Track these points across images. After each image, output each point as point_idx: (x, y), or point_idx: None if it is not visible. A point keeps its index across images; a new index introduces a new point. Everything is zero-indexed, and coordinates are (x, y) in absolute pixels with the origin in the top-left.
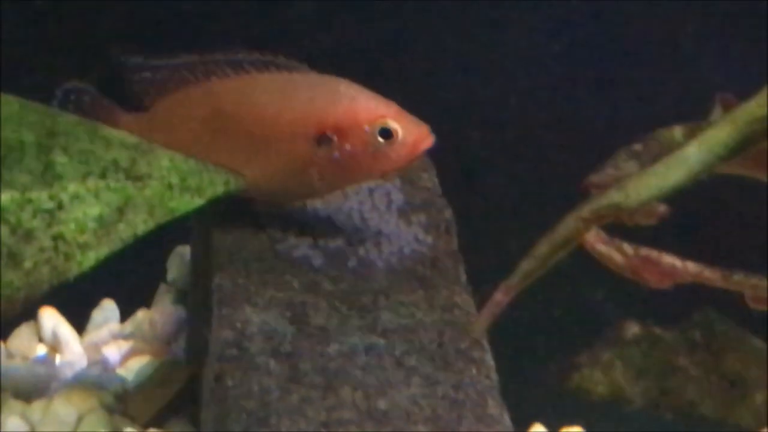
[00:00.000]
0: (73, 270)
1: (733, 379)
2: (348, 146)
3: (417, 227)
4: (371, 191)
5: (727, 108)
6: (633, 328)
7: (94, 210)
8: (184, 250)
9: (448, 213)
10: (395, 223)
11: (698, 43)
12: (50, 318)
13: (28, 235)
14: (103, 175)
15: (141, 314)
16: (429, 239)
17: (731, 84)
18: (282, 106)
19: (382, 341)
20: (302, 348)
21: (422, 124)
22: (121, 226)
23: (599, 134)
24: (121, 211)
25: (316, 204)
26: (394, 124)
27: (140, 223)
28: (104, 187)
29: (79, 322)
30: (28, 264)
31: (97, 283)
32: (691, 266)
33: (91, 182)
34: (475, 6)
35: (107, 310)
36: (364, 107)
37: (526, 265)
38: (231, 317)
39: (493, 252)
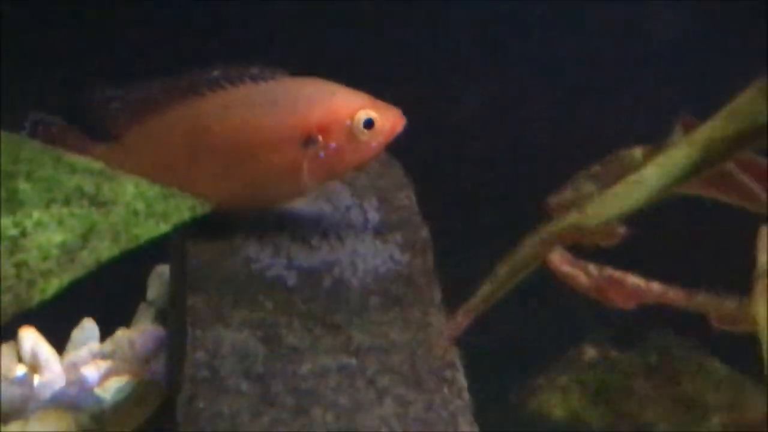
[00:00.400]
0: (36, 298)
1: (690, 402)
2: (333, 143)
3: (393, 246)
4: (348, 209)
5: (688, 129)
6: (590, 352)
7: (58, 237)
8: (164, 269)
9: (425, 232)
10: (371, 242)
11: (669, 60)
12: (30, 338)
13: None
14: (67, 202)
15: (120, 333)
16: (405, 258)
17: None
18: (264, 116)
19: (354, 361)
20: (274, 369)
21: (394, 108)
22: (85, 253)
23: (579, 155)
24: (85, 237)
25: (293, 224)
26: (373, 114)
27: (104, 250)
28: (68, 214)
29: (60, 341)
30: None
31: (77, 303)
32: (656, 286)
33: (55, 209)
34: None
35: (87, 329)
36: (343, 103)
37: (487, 288)
38: (203, 338)
39: (469, 272)
